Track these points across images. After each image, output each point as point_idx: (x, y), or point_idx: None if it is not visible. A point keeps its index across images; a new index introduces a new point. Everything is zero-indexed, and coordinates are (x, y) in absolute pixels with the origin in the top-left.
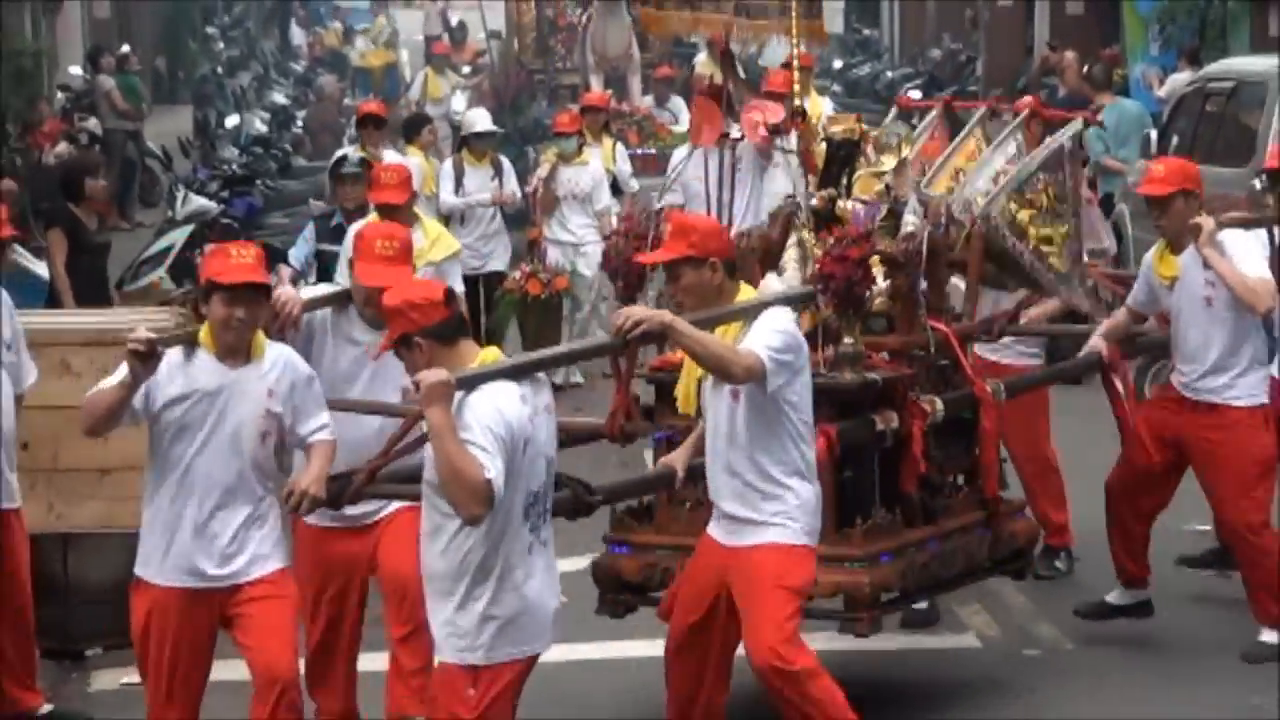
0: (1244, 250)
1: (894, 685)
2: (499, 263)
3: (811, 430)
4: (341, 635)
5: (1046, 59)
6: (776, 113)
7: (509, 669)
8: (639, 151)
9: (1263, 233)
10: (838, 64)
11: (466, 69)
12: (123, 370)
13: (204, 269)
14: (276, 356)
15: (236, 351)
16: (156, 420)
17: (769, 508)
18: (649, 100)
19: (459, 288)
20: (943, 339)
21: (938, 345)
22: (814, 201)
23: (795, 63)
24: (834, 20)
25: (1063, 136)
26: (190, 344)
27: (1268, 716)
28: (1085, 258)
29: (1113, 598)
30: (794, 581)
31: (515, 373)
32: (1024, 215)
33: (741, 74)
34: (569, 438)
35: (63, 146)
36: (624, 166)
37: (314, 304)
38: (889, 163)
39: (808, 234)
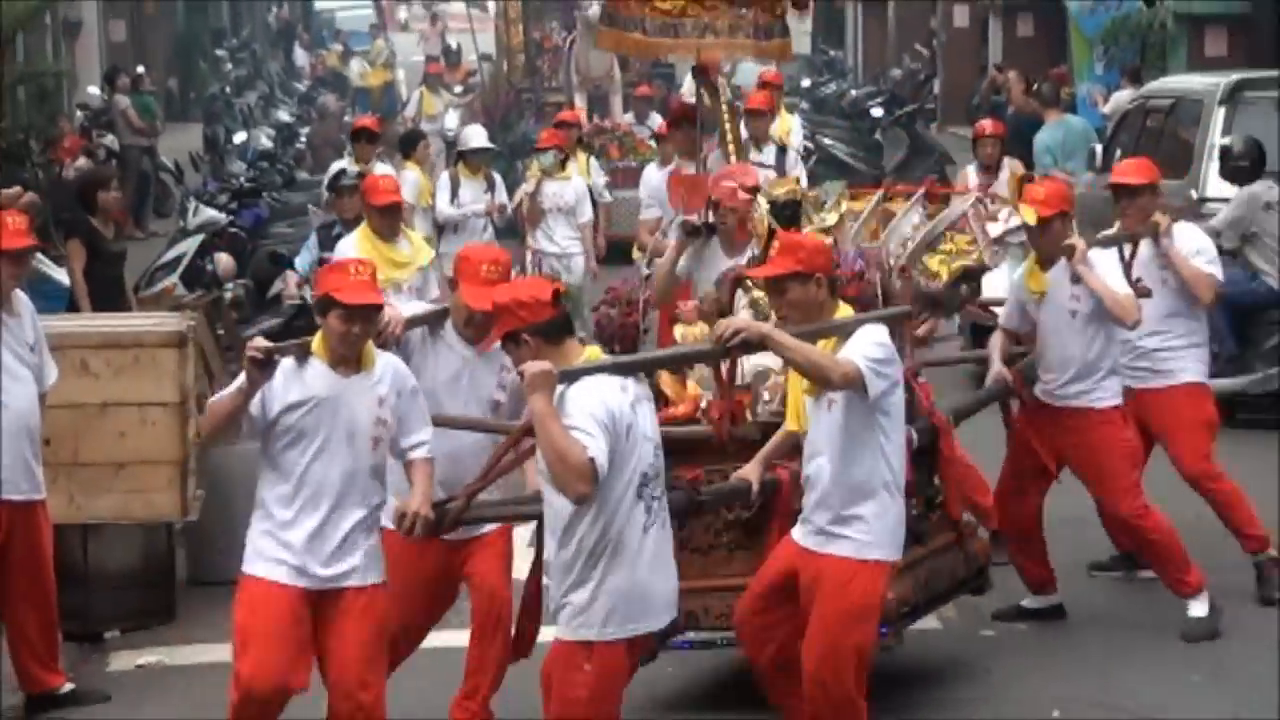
0: (1108, 267)
1: None
2: None
3: (901, 446)
4: (407, 643)
5: (994, 79)
6: (754, 176)
7: (623, 646)
8: (620, 165)
9: (1114, 250)
10: (806, 83)
11: (459, 88)
12: (240, 379)
13: (322, 283)
14: (385, 365)
15: (348, 361)
16: (272, 426)
17: (849, 520)
18: (629, 117)
19: (435, 291)
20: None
21: None
22: None
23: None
24: (802, 42)
25: (964, 207)
26: (304, 353)
27: (1204, 693)
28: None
29: (1027, 603)
30: (855, 599)
31: (615, 370)
32: (934, 261)
33: (728, 94)
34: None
35: (82, 161)
36: (598, 179)
37: (414, 322)
38: (831, 218)
39: (759, 294)
